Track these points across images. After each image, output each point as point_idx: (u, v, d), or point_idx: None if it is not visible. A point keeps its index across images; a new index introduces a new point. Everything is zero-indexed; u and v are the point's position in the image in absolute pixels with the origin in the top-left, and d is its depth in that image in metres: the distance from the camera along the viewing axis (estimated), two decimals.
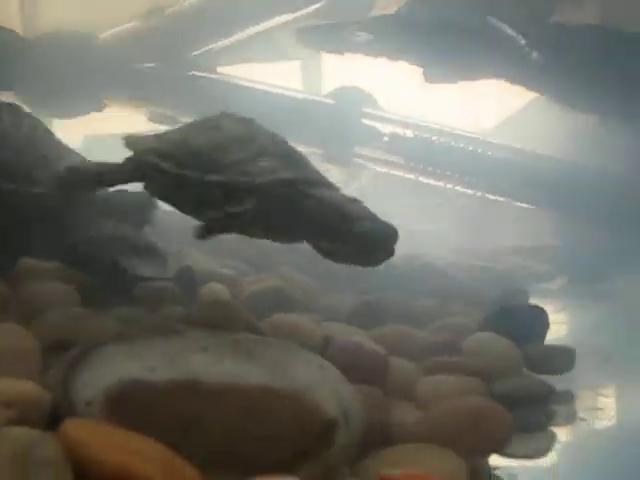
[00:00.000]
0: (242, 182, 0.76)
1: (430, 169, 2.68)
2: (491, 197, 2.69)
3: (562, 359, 1.15)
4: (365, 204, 0.78)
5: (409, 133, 2.63)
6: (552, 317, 1.22)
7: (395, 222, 0.77)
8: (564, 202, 2.31)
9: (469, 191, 2.74)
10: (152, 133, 0.90)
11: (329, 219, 0.76)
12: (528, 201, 2.60)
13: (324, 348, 0.90)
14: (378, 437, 0.75)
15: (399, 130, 2.63)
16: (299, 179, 0.78)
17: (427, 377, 0.93)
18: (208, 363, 0.64)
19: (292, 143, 0.85)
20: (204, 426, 0.60)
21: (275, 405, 0.62)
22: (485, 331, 1.14)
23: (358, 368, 0.84)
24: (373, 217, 0.77)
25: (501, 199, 2.67)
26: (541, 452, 0.90)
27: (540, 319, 1.22)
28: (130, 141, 0.86)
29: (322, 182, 0.80)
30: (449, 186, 2.83)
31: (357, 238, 0.75)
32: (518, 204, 2.64)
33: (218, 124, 0.84)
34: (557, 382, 1.04)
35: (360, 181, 2.79)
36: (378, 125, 2.64)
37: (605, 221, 2.12)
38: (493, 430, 0.78)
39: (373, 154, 2.69)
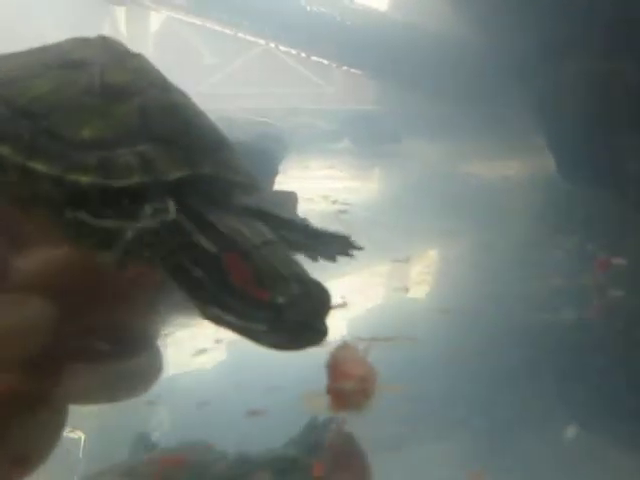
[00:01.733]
0: None
1: (247, 23, 2.44)
2: (314, 58, 2.50)
3: None
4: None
5: None
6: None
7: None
8: (393, 67, 2.14)
9: (293, 51, 2.55)
10: None
11: None
12: (353, 64, 2.43)
13: None
14: None
15: None
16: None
17: None
18: None
19: None
20: None
21: None
22: None
23: None
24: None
25: (325, 61, 2.50)
26: None
27: None
28: None
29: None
30: (272, 44, 2.63)
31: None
32: (344, 68, 2.49)
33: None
34: None
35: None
36: None
37: (431, 89, 1.98)
38: None
39: None
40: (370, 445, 0.57)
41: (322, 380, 0.66)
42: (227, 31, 2.56)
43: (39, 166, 0.47)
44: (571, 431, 0.61)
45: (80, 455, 0.55)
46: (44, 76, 0.51)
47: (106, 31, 3.34)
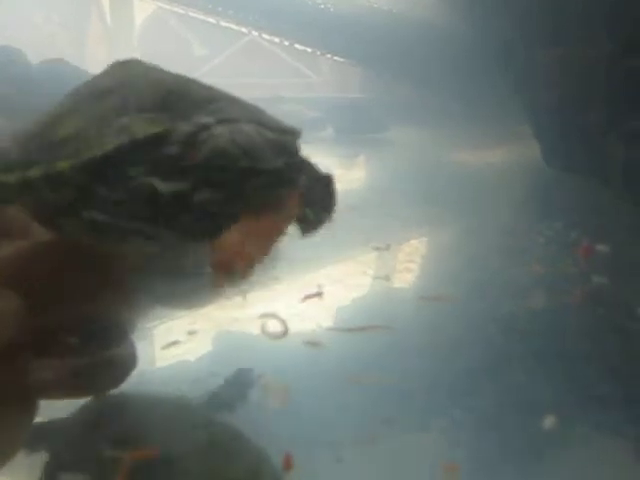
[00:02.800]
0: None
1: (231, 12, 2.42)
2: (299, 47, 2.49)
3: None
4: None
5: None
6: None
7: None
8: (379, 56, 2.13)
9: (278, 39, 2.53)
10: None
11: None
12: (339, 53, 2.42)
13: None
14: None
15: None
16: None
17: None
18: None
19: None
20: None
21: None
22: None
23: None
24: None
25: (309, 50, 2.48)
26: None
27: None
28: None
29: None
30: (257, 34, 2.61)
31: None
32: (329, 56, 2.47)
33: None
34: None
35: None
36: None
37: (417, 78, 1.98)
38: None
39: None
40: (347, 435, 0.56)
41: (297, 371, 0.65)
42: (211, 20, 2.55)
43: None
44: (552, 419, 0.60)
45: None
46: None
47: (92, 22, 3.31)
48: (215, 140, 0.47)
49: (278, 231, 0.49)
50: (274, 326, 0.73)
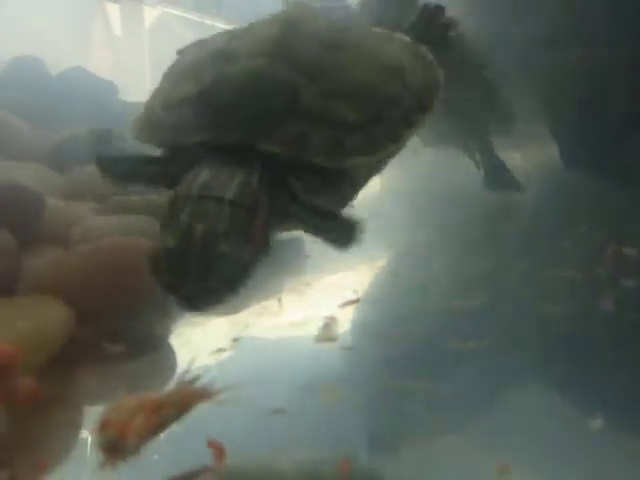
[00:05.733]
0: None
1: (235, 17, 2.42)
2: None
3: None
4: None
5: None
6: None
7: None
8: None
9: None
10: None
11: None
12: None
13: None
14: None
15: None
16: None
17: (95, 218, 0.74)
18: None
19: None
20: None
21: None
22: None
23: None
24: None
25: None
26: None
27: None
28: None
29: None
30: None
31: None
32: None
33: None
34: None
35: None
36: None
37: None
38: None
39: None
40: (402, 437, 0.56)
41: (341, 375, 0.65)
42: (220, 25, 2.54)
43: None
44: (596, 422, 0.60)
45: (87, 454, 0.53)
46: None
47: (100, 28, 3.31)
48: None
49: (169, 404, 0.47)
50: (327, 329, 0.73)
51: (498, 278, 0.98)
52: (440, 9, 0.91)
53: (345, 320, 0.78)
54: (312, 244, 1.06)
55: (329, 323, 0.70)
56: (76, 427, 0.51)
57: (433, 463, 0.53)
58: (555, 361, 0.76)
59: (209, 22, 2.76)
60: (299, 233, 0.96)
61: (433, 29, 0.88)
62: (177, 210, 0.51)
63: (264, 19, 0.69)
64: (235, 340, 0.67)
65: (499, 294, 0.91)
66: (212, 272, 0.48)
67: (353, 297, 0.82)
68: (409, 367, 0.72)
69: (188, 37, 3.17)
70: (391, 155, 0.67)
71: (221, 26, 2.63)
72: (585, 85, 1.32)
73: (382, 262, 1.09)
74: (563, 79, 1.35)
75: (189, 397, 0.48)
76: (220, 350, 0.64)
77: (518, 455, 0.55)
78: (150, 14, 3.36)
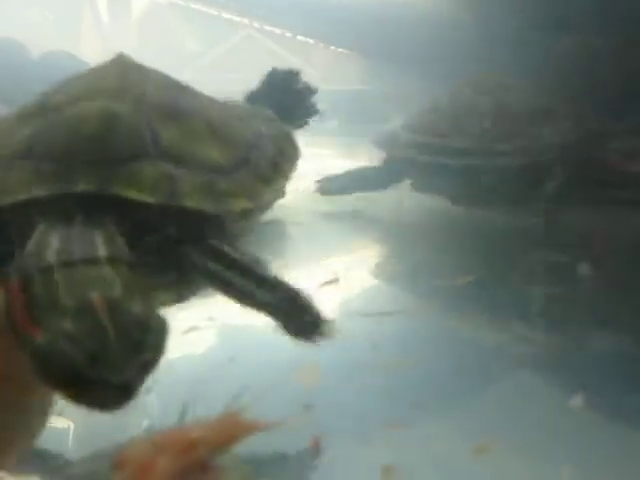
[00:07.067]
0: None
1: (232, 4, 2.39)
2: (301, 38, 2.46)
3: None
4: None
5: None
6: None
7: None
8: (381, 47, 2.08)
9: (276, 30, 2.51)
10: None
11: None
12: (340, 44, 2.38)
13: None
14: None
15: None
16: None
17: None
18: None
19: None
20: None
21: None
22: None
23: None
24: None
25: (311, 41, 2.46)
26: None
27: None
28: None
29: None
30: (255, 25, 2.59)
31: None
32: (332, 47, 2.44)
33: None
34: None
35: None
36: None
37: (421, 68, 1.93)
38: None
39: None
40: (378, 420, 0.55)
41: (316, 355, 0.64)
42: (212, 11, 2.52)
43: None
44: (577, 400, 0.59)
45: (69, 444, 0.52)
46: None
47: (87, 19, 3.28)
48: None
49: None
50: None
51: (483, 258, 0.98)
52: (294, 74, 0.88)
53: (327, 301, 0.77)
54: (292, 226, 1.06)
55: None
56: (47, 411, 0.48)
57: (410, 447, 0.53)
58: (534, 342, 0.75)
59: (202, 9, 2.71)
60: (278, 215, 0.96)
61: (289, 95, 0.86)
62: (38, 291, 0.39)
63: (81, 74, 0.61)
64: (210, 319, 0.66)
65: (484, 273, 0.91)
66: (140, 342, 0.37)
67: (332, 278, 0.81)
68: (393, 347, 0.71)
69: (178, 26, 3.12)
70: (266, 203, 0.61)
71: (229, 17, 2.57)
72: (575, 75, 1.30)
73: (364, 244, 1.08)
74: (552, 70, 1.34)
75: (235, 430, 0.41)
76: (194, 328, 0.63)
77: (498, 436, 0.55)
78: (139, 3, 3.34)
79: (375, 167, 1.26)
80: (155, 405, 0.54)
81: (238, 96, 0.85)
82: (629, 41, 1.24)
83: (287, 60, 2.73)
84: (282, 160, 0.61)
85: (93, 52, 2.98)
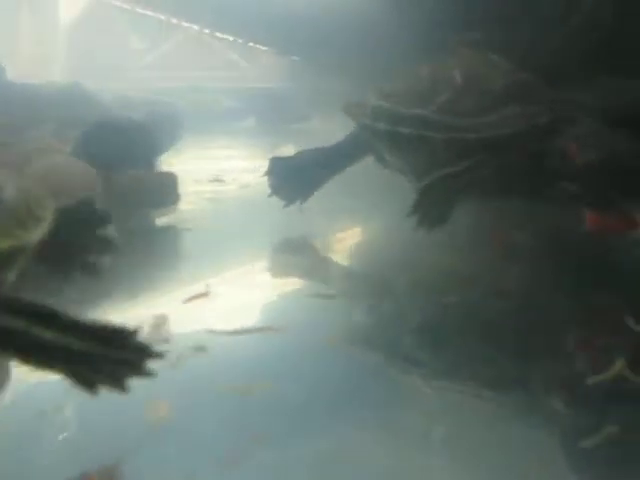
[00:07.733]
0: None
1: (172, 5, 2.32)
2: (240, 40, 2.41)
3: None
4: None
5: None
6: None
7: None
8: (301, 44, 2.03)
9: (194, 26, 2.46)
10: None
11: None
12: (258, 41, 2.32)
13: None
14: None
15: None
16: None
17: None
18: None
19: None
20: None
21: None
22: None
23: None
24: None
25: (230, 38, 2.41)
26: None
27: None
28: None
29: None
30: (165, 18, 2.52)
31: None
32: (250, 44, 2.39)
33: None
34: None
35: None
36: None
37: (341, 67, 1.89)
38: None
39: None
40: (212, 454, 0.51)
41: (177, 380, 0.59)
42: (149, 13, 2.46)
43: None
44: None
45: None
46: None
47: (22, 18, 3.19)
48: None
49: None
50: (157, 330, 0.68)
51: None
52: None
53: (197, 317, 0.73)
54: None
55: (159, 323, 0.65)
56: None
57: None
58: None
59: (142, 11, 2.65)
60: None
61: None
62: None
63: None
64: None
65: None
66: None
67: (203, 291, 0.76)
68: (252, 368, 0.67)
69: (119, 26, 3.03)
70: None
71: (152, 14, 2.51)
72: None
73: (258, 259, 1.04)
74: None
75: None
76: None
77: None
78: (74, 2, 3.25)
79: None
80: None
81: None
82: None
83: (225, 58, 2.67)
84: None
85: (25, 53, 2.90)
